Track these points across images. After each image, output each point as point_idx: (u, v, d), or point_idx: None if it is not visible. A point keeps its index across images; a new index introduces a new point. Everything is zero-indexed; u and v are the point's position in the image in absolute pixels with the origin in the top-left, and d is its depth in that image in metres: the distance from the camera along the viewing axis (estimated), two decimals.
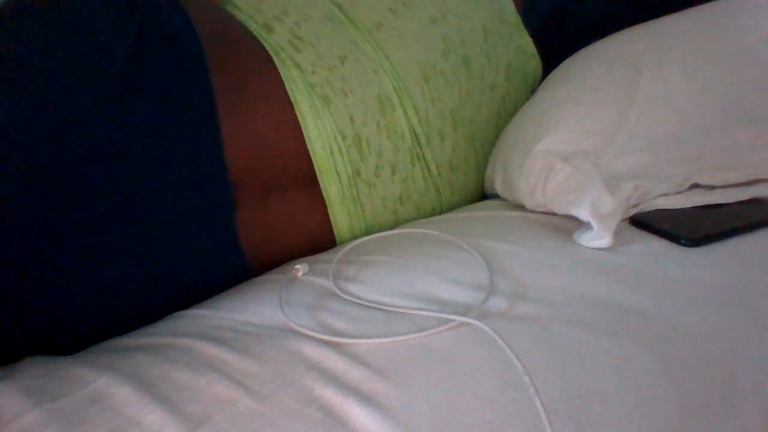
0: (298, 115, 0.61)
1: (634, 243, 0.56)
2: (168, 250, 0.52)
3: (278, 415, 0.37)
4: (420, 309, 0.46)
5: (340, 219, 0.64)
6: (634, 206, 0.61)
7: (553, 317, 0.45)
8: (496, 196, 0.75)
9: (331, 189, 0.63)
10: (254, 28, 0.64)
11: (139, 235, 0.50)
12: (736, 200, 0.62)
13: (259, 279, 0.57)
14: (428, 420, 0.36)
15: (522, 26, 0.83)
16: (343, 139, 0.62)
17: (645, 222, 0.59)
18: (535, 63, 0.84)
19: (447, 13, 0.74)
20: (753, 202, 0.62)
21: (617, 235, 0.55)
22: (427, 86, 0.69)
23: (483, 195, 0.79)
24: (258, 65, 0.61)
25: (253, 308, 0.49)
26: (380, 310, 0.47)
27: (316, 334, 0.43)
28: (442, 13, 0.73)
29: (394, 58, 0.67)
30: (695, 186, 0.64)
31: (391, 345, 0.42)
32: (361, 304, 0.48)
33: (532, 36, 0.84)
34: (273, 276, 0.57)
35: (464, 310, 0.46)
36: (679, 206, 0.61)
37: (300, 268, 0.54)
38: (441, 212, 0.73)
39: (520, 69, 0.82)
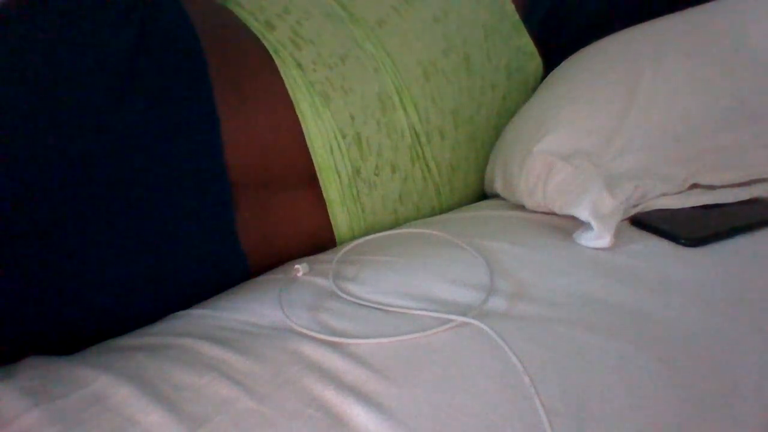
0: (298, 114, 0.61)
1: (634, 243, 0.56)
2: (168, 249, 0.52)
3: (278, 415, 0.37)
4: (420, 309, 0.46)
5: (340, 219, 0.64)
6: (634, 206, 0.61)
7: (553, 317, 0.45)
8: (496, 196, 0.75)
9: (330, 188, 0.63)
10: (255, 26, 0.64)
11: (138, 235, 0.50)
12: (736, 200, 0.62)
13: (259, 279, 0.57)
14: (428, 420, 0.36)
15: (522, 26, 0.83)
16: (343, 137, 0.62)
17: (645, 222, 0.59)
18: (535, 63, 0.84)
19: (449, 12, 0.74)
20: (753, 202, 0.62)
21: (617, 235, 0.55)
22: (428, 84, 0.69)
23: (483, 195, 0.79)
24: (258, 64, 0.61)
25: (253, 308, 0.49)
26: (380, 310, 0.47)
27: (316, 334, 0.43)
28: (443, 12, 0.73)
29: (395, 56, 0.68)
30: (695, 186, 0.64)
31: (391, 345, 0.42)
32: (361, 304, 0.48)
33: (532, 36, 0.84)
34: (273, 276, 0.57)
35: (464, 310, 0.46)
36: (679, 206, 0.61)
37: (300, 268, 0.54)
38: (441, 212, 0.73)
39: (521, 69, 0.82)
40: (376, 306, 0.47)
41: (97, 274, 0.49)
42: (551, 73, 0.78)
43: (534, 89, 0.83)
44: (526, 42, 0.83)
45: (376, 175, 0.65)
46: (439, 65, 0.70)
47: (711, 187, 0.64)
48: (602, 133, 0.63)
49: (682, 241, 0.55)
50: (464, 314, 0.44)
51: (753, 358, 0.44)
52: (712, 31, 0.70)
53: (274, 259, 0.60)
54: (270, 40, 0.63)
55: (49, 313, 0.47)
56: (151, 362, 0.42)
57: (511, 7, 0.82)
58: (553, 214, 0.63)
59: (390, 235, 0.62)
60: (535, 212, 0.65)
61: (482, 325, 0.42)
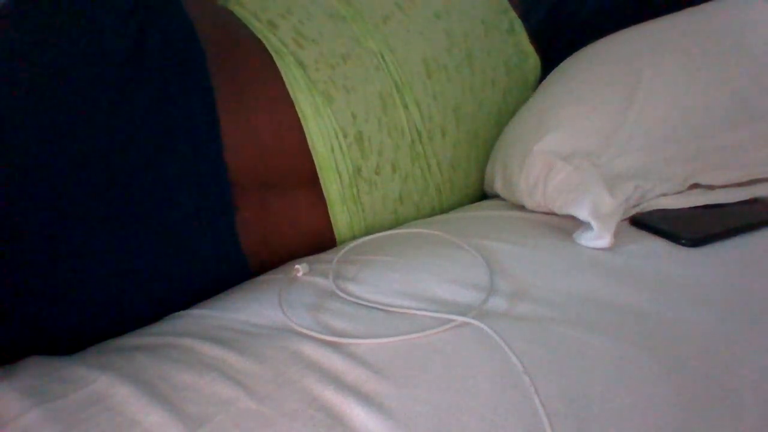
0: (298, 114, 0.61)
1: (634, 243, 0.56)
2: (168, 250, 0.52)
3: (278, 415, 0.37)
4: (420, 309, 0.46)
5: (341, 218, 0.64)
6: (634, 206, 0.61)
7: (553, 317, 0.45)
8: (496, 196, 0.75)
9: (331, 187, 0.63)
10: (257, 26, 0.64)
11: (138, 235, 0.50)
12: (736, 200, 0.62)
13: (259, 279, 0.57)
14: (428, 420, 0.36)
15: (519, 23, 0.83)
16: (345, 136, 0.62)
17: (645, 222, 0.59)
18: (533, 60, 0.84)
19: (449, 8, 0.74)
20: (753, 202, 0.62)
21: (617, 235, 0.55)
22: (430, 81, 0.69)
23: (483, 195, 0.79)
24: (258, 64, 0.61)
25: (253, 308, 0.49)
26: (380, 310, 0.47)
27: (316, 334, 0.43)
28: (445, 8, 0.74)
29: (399, 53, 0.68)
30: (695, 186, 0.64)
31: (391, 345, 0.42)
32: (361, 304, 0.48)
33: (532, 35, 0.84)
34: (273, 276, 0.57)
35: (464, 310, 0.46)
36: (679, 206, 0.61)
37: (300, 268, 0.54)
38: (441, 212, 0.73)
39: (519, 66, 0.82)
40: (376, 306, 0.47)
41: (97, 273, 0.49)
42: (551, 73, 0.78)
43: (533, 87, 0.83)
44: (522, 40, 0.83)
45: (377, 174, 0.65)
46: (441, 61, 0.71)
47: (711, 187, 0.64)
48: (602, 133, 0.63)
49: (682, 241, 0.55)
50: (464, 314, 0.44)
51: (753, 357, 0.44)
52: (712, 31, 0.70)
53: (274, 259, 0.60)
54: (272, 40, 0.63)
55: (49, 313, 0.47)
56: (151, 362, 0.42)
57: (508, 5, 0.83)
58: (553, 214, 0.63)
59: (390, 235, 0.62)
60: (535, 212, 0.65)
61: (482, 325, 0.42)
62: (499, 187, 0.71)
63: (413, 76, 0.68)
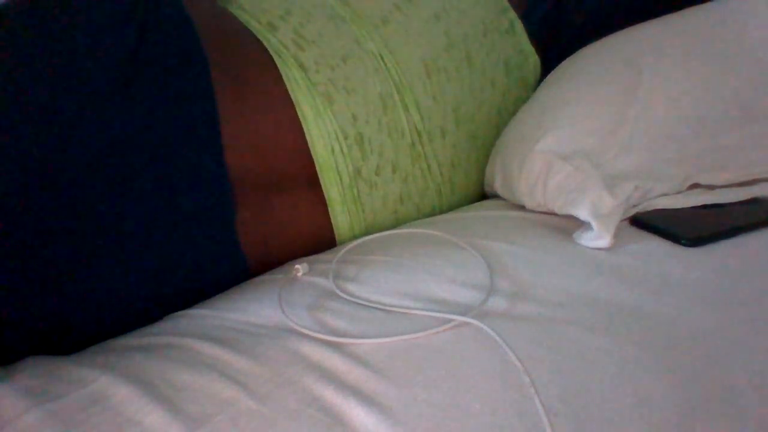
0: (299, 115, 0.61)
1: (634, 243, 0.56)
2: (168, 249, 0.52)
3: (278, 415, 0.37)
4: (420, 309, 0.46)
5: (341, 219, 0.64)
6: (634, 206, 0.61)
7: (553, 317, 0.45)
8: (496, 196, 0.75)
9: (331, 188, 0.63)
10: (257, 27, 0.64)
11: (138, 235, 0.50)
12: (736, 200, 0.62)
13: (259, 279, 0.57)
14: (428, 420, 0.36)
15: (519, 23, 0.83)
16: (345, 138, 0.62)
17: (645, 222, 0.59)
18: (533, 60, 0.84)
19: (449, 9, 0.74)
20: (753, 202, 0.62)
21: (617, 235, 0.55)
22: (429, 82, 0.69)
23: (483, 195, 0.79)
24: (259, 65, 0.61)
25: (253, 308, 0.49)
26: (380, 310, 0.47)
27: (316, 334, 0.43)
28: (444, 9, 0.74)
29: (398, 54, 0.68)
30: (695, 186, 0.64)
31: (391, 345, 0.42)
32: (361, 304, 0.48)
33: (532, 35, 0.84)
34: (273, 276, 0.57)
35: (464, 310, 0.46)
36: (679, 206, 0.61)
37: (300, 268, 0.54)
38: (441, 212, 0.73)
39: (519, 66, 0.82)
40: (376, 306, 0.47)
41: (97, 273, 0.49)
42: (551, 73, 0.78)
43: (533, 87, 0.83)
44: (522, 39, 0.83)
45: (377, 175, 0.65)
46: (440, 62, 0.71)
47: (711, 187, 0.64)
48: (602, 133, 0.63)
49: (682, 241, 0.55)
50: (464, 314, 0.44)
51: (753, 357, 0.44)
52: (712, 31, 0.70)
53: (274, 259, 0.60)
54: (272, 42, 0.63)
55: (49, 313, 0.47)
56: (151, 362, 0.42)
57: (507, 5, 0.83)
58: (553, 214, 0.63)
59: (390, 235, 0.62)
60: (535, 212, 0.65)
61: (482, 325, 0.42)
62: (499, 187, 0.71)
63: (413, 77, 0.68)
